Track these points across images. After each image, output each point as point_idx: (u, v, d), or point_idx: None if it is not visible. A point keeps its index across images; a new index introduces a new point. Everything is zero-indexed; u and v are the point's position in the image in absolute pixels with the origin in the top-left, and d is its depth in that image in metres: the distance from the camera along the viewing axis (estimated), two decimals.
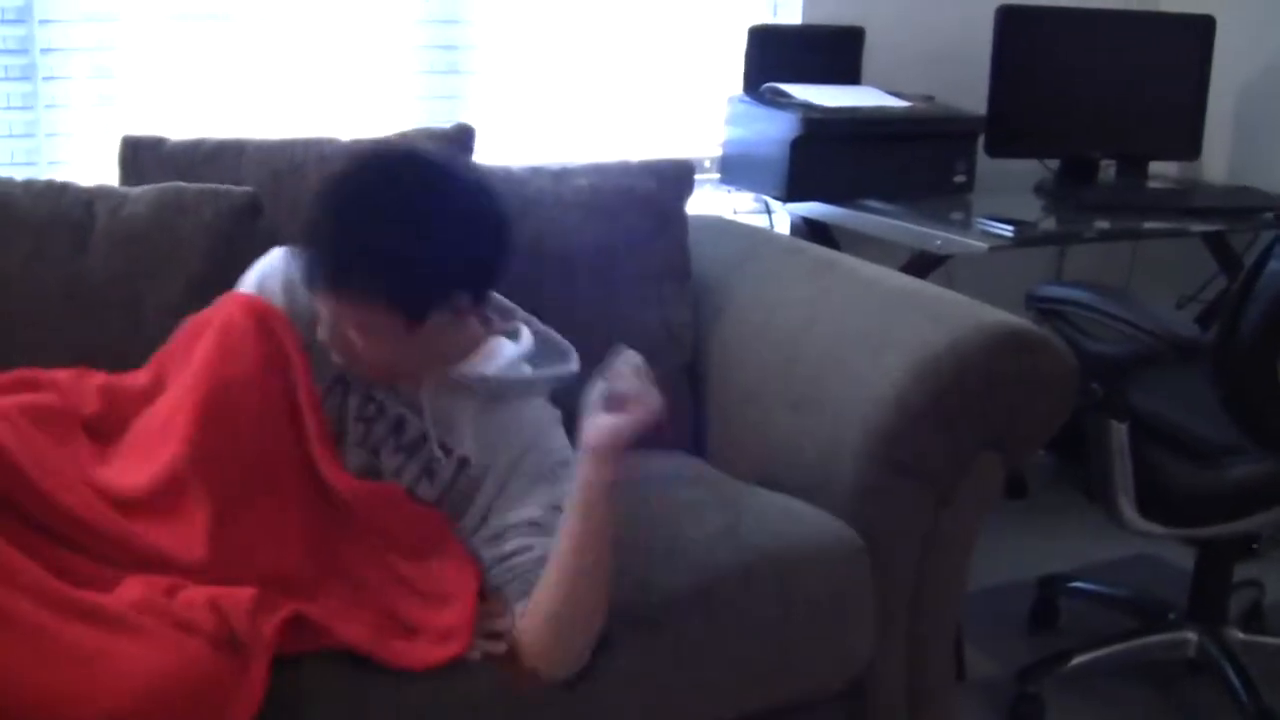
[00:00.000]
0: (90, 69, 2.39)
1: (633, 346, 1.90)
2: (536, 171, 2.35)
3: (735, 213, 2.96)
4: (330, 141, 2.24)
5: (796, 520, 1.93)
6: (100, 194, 2.07)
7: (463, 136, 2.33)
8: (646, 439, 1.62)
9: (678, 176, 2.42)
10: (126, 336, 1.97)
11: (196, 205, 2.06)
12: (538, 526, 1.69)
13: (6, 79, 2.34)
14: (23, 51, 2.33)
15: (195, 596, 1.49)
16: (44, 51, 2.34)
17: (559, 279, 2.25)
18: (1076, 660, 2.57)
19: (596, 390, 1.65)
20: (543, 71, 2.79)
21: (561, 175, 2.35)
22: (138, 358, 1.85)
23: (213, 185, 2.10)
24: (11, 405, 1.65)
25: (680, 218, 2.41)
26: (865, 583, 1.89)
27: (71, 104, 2.38)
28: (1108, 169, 3.21)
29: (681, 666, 1.74)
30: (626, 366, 1.66)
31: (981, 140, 2.93)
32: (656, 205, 2.37)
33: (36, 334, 1.98)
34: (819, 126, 2.64)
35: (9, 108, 2.35)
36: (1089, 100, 3.09)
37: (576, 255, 2.28)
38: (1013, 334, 1.93)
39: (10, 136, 2.36)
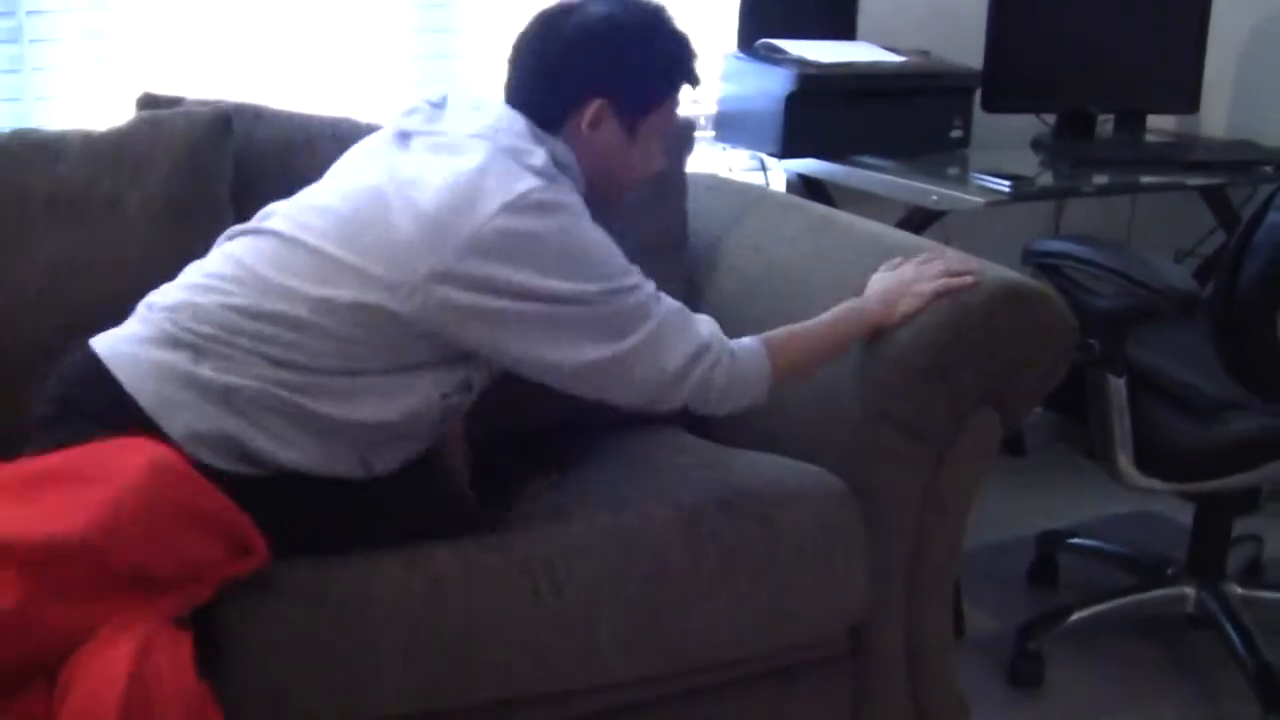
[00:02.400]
0: (78, 32, 2.37)
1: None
2: None
3: (730, 170, 2.94)
4: (346, 120, 2.24)
5: (780, 467, 1.93)
6: (72, 131, 2.10)
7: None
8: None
9: (678, 135, 2.34)
10: (111, 236, 2.00)
11: (169, 120, 2.09)
12: None
13: None
14: (9, 14, 2.30)
15: None
16: (30, 14, 2.32)
17: None
18: (1076, 616, 2.58)
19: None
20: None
21: None
22: (123, 256, 1.95)
23: (185, 108, 2.12)
24: None
25: (679, 180, 2.36)
26: (854, 528, 1.88)
27: (59, 67, 2.36)
28: (1105, 123, 3.19)
29: (666, 593, 1.75)
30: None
31: (978, 95, 2.91)
32: None
33: (17, 238, 1.98)
34: (814, 83, 2.63)
35: None
36: (1086, 54, 3.07)
37: None
38: (1010, 289, 1.92)
39: None
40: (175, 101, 2.18)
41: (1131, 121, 3.19)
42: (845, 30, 2.95)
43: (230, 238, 1.83)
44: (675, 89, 1.87)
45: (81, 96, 2.38)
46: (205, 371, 1.66)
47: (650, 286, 1.77)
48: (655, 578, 1.74)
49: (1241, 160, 2.93)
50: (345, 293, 1.68)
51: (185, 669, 1.47)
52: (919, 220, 2.65)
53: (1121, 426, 2.28)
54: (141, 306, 1.78)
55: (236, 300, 1.70)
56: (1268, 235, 2.10)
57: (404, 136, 1.81)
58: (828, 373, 1.96)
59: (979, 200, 2.48)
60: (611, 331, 1.71)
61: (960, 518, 2.01)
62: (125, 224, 2.00)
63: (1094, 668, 2.58)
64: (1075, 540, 2.90)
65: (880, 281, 1.98)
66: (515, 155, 1.72)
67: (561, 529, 1.78)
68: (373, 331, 1.69)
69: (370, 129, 2.22)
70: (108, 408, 1.66)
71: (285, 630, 1.58)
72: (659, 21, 1.84)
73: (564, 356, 1.71)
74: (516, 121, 1.78)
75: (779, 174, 2.98)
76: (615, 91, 1.81)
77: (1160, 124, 3.30)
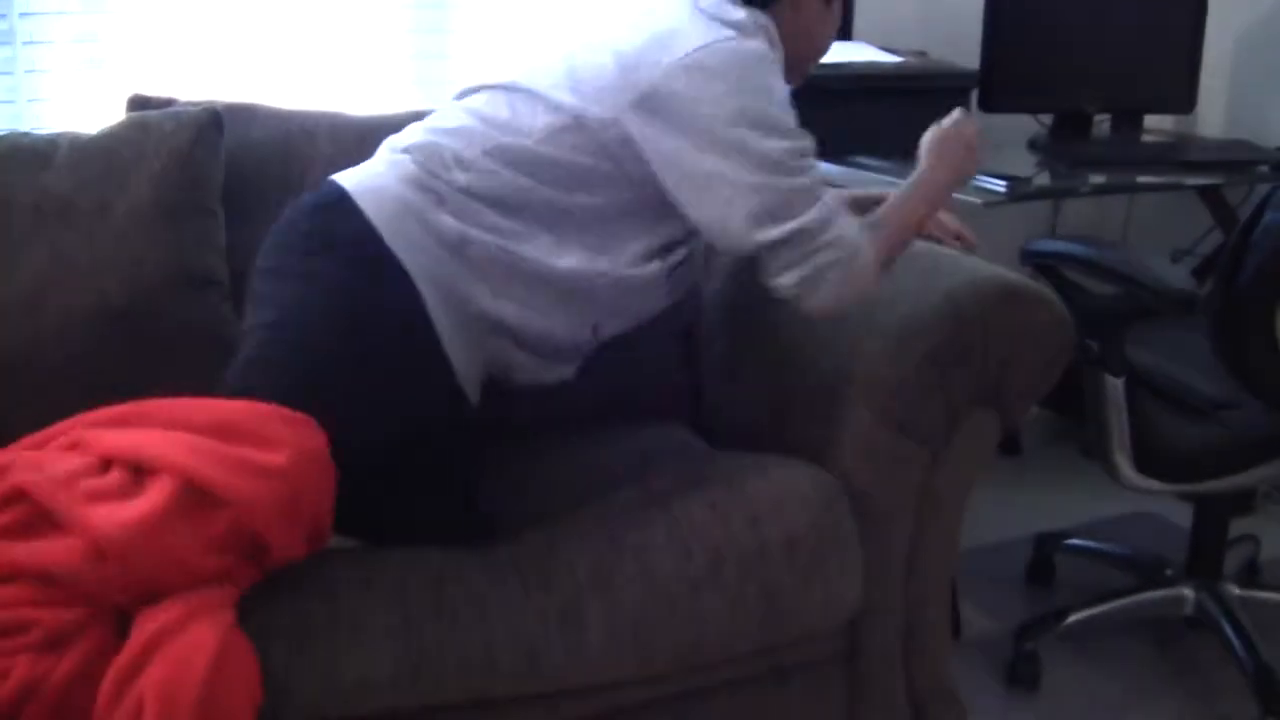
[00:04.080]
0: (71, 34, 2.37)
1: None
2: None
3: None
4: (340, 115, 2.26)
5: (770, 466, 1.92)
6: (62, 135, 2.10)
7: None
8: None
9: None
10: (98, 241, 1.99)
11: (159, 122, 2.09)
12: None
13: None
14: (2, 16, 2.30)
15: None
16: (23, 16, 2.31)
17: None
18: (1073, 617, 2.57)
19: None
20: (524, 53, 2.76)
21: None
22: (111, 261, 1.96)
23: (174, 109, 2.13)
24: None
25: None
26: (847, 526, 1.87)
27: (52, 69, 2.36)
28: (1102, 123, 3.19)
29: (653, 593, 1.74)
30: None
31: (974, 95, 2.90)
32: None
33: (5, 245, 1.98)
34: (811, 83, 2.61)
35: None
36: (1083, 54, 3.07)
37: None
38: (1007, 289, 1.91)
39: None
40: (167, 103, 2.18)
41: (1128, 121, 3.19)
42: (842, 31, 2.93)
43: (464, 95, 1.91)
44: None
45: (75, 98, 2.38)
46: (445, 218, 1.77)
47: (818, 167, 1.83)
48: (642, 577, 1.73)
49: (1238, 160, 2.93)
50: (566, 120, 1.79)
51: (251, 656, 1.49)
52: None
53: (1119, 426, 2.27)
54: (384, 148, 1.88)
55: (475, 147, 1.80)
56: (1265, 234, 2.09)
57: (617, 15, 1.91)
58: (822, 373, 1.95)
59: (976, 200, 2.47)
60: (775, 210, 1.77)
61: (956, 518, 2.00)
62: (114, 228, 2.00)
63: (1091, 669, 2.58)
64: (1073, 541, 2.89)
65: (938, 144, 2.02)
66: (715, 13, 1.82)
67: (549, 528, 1.78)
68: (586, 159, 1.79)
69: (369, 122, 2.23)
70: (353, 238, 1.75)
71: (280, 620, 1.57)
72: None
73: (721, 215, 1.78)
74: None
75: None
76: None
77: (1157, 124, 3.29)
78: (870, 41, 2.90)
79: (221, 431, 1.59)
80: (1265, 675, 2.36)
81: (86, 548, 1.46)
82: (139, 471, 1.54)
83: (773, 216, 1.77)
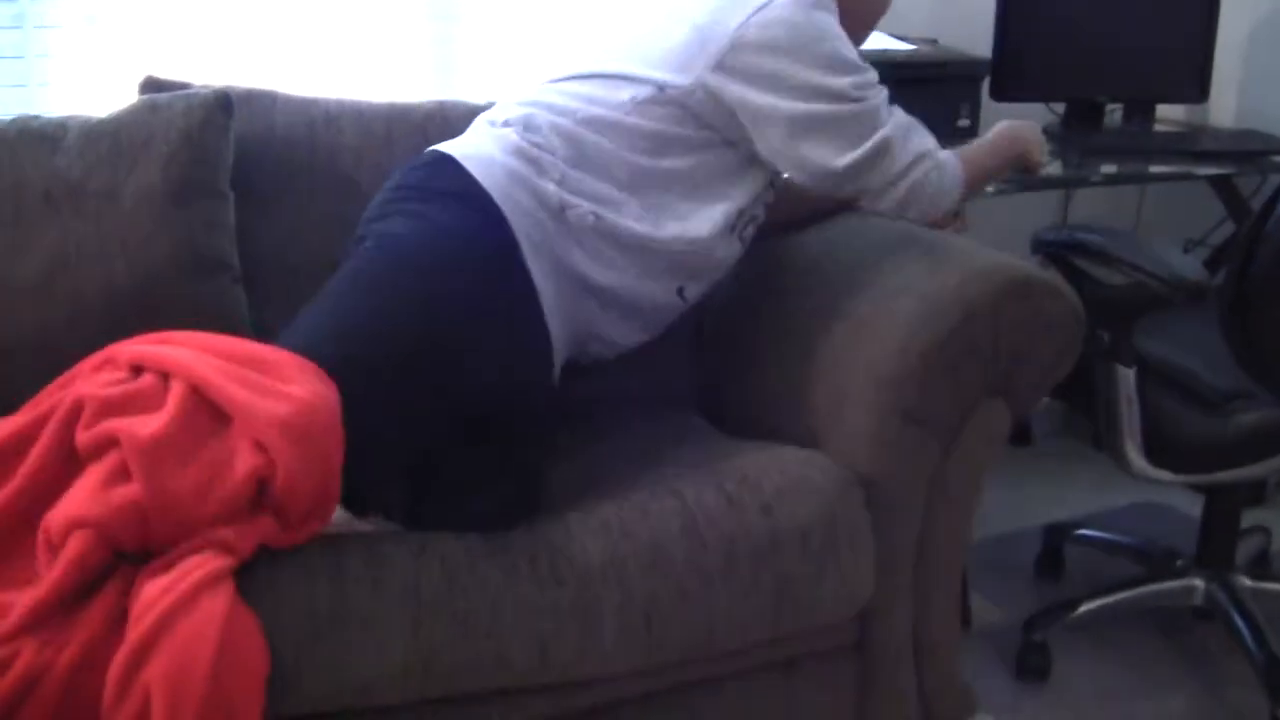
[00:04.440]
0: (81, 17, 2.36)
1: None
2: None
3: None
4: (362, 102, 2.27)
5: (783, 457, 1.92)
6: (72, 118, 2.11)
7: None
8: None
9: None
10: (107, 224, 1.99)
11: (168, 104, 2.08)
12: None
13: None
14: (12, 0, 2.30)
15: None
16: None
17: None
18: (1083, 608, 2.57)
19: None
20: (540, 43, 2.76)
21: None
22: (120, 246, 1.97)
23: (184, 92, 2.12)
24: None
25: None
26: (859, 517, 1.87)
27: (64, 53, 2.35)
28: (1114, 113, 3.18)
29: (667, 584, 1.73)
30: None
31: (986, 84, 2.90)
32: None
33: (15, 231, 1.99)
34: None
35: None
36: (1095, 43, 3.06)
37: None
38: (1019, 279, 1.90)
39: (1, 86, 2.32)
40: (181, 86, 2.17)
41: (1140, 111, 3.18)
42: None
43: (553, 82, 2.01)
44: None
45: (85, 82, 2.37)
46: (548, 185, 1.88)
47: (885, 92, 2.00)
48: (656, 568, 1.73)
49: (1250, 150, 2.92)
50: (651, 91, 1.92)
51: (254, 626, 1.50)
52: None
53: (1130, 417, 2.26)
54: (480, 122, 2.00)
55: (570, 118, 1.92)
56: (1278, 225, 2.08)
57: None
58: (833, 363, 1.95)
59: (987, 189, 2.46)
60: (853, 136, 1.96)
61: (967, 508, 2.00)
62: (123, 211, 2.00)
63: (1101, 659, 2.57)
64: (1083, 531, 2.89)
65: (1012, 125, 2.28)
66: None
67: (563, 519, 1.77)
68: (674, 127, 1.93)
69: (393, 110, 2.24)
70: (461, 191, 1.85)
71: (290, 607, 1.57)
72: None
73: (811, 155, 1.96)
74: None
75: None
76: None
77: (1169, 113, 3.28)
78: (882, 29, 2.88)
79: (247, 361, 1.64)
80: (1275, 666, 2.36)
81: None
82: (165, 376, 1.61)
83: (856, 139, 1.96)
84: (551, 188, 1.87)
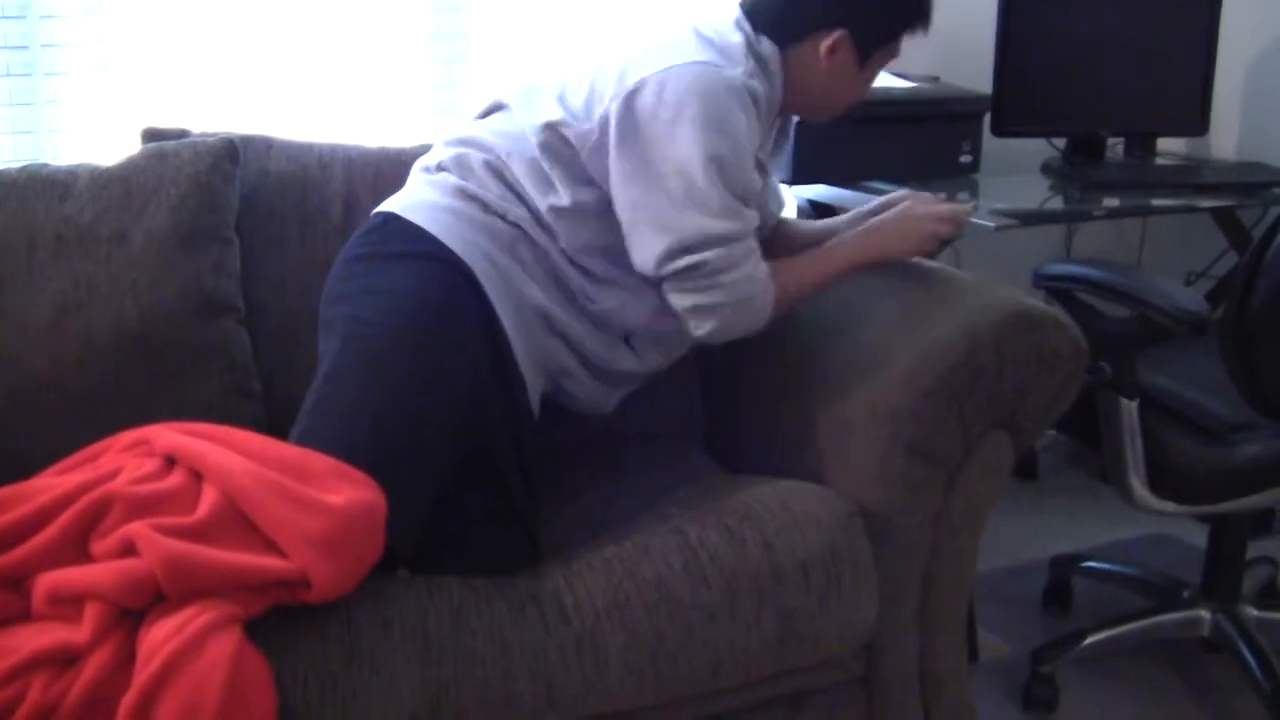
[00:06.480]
0: (92, 65, 2.39)
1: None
2: None
3: None
4: (355, 147, 2.30)
5: (784, 491, 1.92)
6: (81, 166, 2.14)
7: None
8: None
9: None
10: (117, 267, 2.02)
11: (176, 151, 2.12)
12: None
13: (8, 75, 2.33)
14: (23, 48, 2.32)
15: None
16: (45, 46, 2.33)
17: None
18: (1090, 640, 2.57)
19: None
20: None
21: None
22: (129, 289, 2.00)
23: (191, 139, 2.16)
24: None
25: None
26: (862, 549, 1.87)
27: (74, 100, 2.38)
28: (1115, 147, 3.20)
29: (671, 621, 1.74)
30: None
31: (987, 120, 2.91)
32: None
33: (27, 275, 2.01)
34: None
35: (10, 104, 2.34)
36: (1095, 78, 3.08)
37: None
38: (1021, 313, 1.92)
39: (13, 133, 2.35)
40: (180, 134, 2.20)
41: (1141, 144, 3.20)
42: None
43: (481, 116, 2.04)
44: (912, 29, 2.02)
45: (94, 129, 2.40)
46: (494, 219, 1.88)
47: (748, 212, 1.89)
48: (660, 606, 1.74)
49: (1251, 182, 2.93)
50: (563, 129, 1.89)
51: (262, 666, 1.50)
52: None
53: (1134, 449, 2.27)
54: (415, 170, 2.01)
55: (498, 154, 1.92)
56: (1278, 256, 2.09)
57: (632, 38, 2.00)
58: (838, 395, 1.96)
59: (989, 224, 2.48)
60: (689, 242, 1.85)
61: (972, 541, 2.01)
62: (132, 255, 2.02)
63: (1108, 692, 2.57)
64: (1089, 563, 2.89)
65: (901, 213, 2.09)
66: (710, 35, 1.90)
67: (567, 559, 1.79)
68: (581, 160, 1.89)
69: (385, 154, 2.26)
70: (410, 242, 1.85)
71: (300, 661, 1.58)
72: None
73: (640, 241, 1.87)
74: (730, 16, 1.94)
75: (790, 200, 2.99)
76: (859, 23, 1.96)
77: (1170, 146, 3.30)
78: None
79: (285, 468, 1.64)
80: None
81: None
82: (198, 476, 1.61)
83: (686, 249, 1.85)
84: (499, 223, 1.88)
